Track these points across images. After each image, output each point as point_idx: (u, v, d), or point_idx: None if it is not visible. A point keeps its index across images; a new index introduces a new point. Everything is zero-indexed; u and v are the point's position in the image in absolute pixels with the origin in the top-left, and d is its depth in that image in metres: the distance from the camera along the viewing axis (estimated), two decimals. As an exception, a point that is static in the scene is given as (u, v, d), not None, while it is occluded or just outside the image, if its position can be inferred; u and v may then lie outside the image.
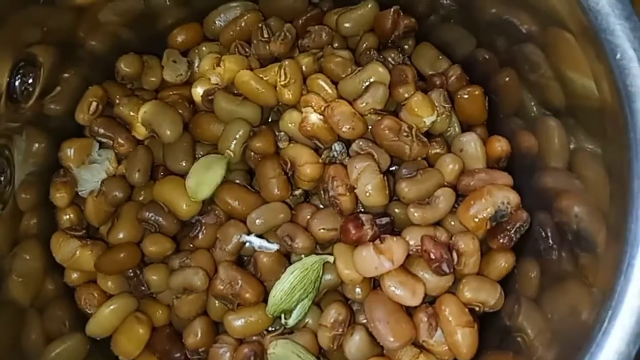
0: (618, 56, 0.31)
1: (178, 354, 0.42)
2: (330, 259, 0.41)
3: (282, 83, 0.43)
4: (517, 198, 0.41)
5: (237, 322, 0.40)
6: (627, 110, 0.32)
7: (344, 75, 0.45)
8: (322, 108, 0.43)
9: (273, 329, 0.42)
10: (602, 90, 0.34)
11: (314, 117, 0.42)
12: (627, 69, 0.31)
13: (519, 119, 0.45)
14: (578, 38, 0.34)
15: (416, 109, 0.42)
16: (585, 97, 0.36)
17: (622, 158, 0.32)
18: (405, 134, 0.42)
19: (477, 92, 0.45)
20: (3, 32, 0.36)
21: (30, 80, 0.39)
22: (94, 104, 0.44)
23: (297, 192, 0.44)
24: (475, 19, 0.45)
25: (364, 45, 0.47)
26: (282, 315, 0.41)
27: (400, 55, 0.47)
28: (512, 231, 0.41)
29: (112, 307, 0.42)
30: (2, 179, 0.38)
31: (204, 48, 0.48)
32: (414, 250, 0.41)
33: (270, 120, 0.46)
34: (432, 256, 0.39)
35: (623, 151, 0.32)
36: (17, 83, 0.38)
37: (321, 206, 0.43)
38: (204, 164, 0.42)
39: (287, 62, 0.44)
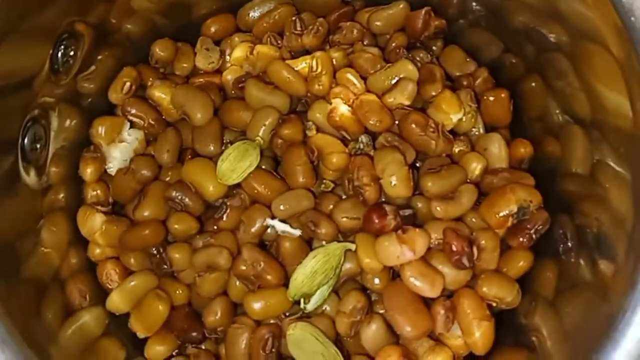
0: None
1: (195, 333, 0.42)
2: (352, 246, 0.41)
3: (313, 74, 0.44)
4: (539, 197, 0.42)
5: (257, 304, 0.41)
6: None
7: (372, 71, 0.46)
8: (351, 100, 0.44)
9: (291, 313, 0.42)
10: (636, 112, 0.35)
11: (343, 109, 0.43)
12: (660, 67, 0.32)
13: (543, 123, 0.46)
14: (612, 49, 0.35)
15: (444, 106, 0.43)
16: (615, 113, 0.37)
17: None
18: (431, 129, 0.43)
19: (503, 95, 0.46)
20: (53, 5, 0.37)
21: (72, 53, 0.40)
22: (127, 84, 0.45)
23: (326, 183, 0.44)
24: (504, 25, 0.46)
25: (394, 43, 0.48)
26: (302, 300, 0.41)
27: (429, 55, 0.48)
28: (532, 231, 0.42)
29: (133, 282, 0.43)
30: (38, 145, 0.39)
31: (236, 38, 0.49)
32: (435, 243, 0.41)
33: (297, 110, 0.47)
34: (454, 248, 0.40)
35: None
36: (59, 54, 0.39)
37: (344, 196, 0.44)
38: (239, 151, 0.42)
39: (318, 54, 0.45)
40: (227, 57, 0.49)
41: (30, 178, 0.39)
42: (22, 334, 0.34)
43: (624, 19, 0.33)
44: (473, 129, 0.46)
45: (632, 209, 0.35)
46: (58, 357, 0.38)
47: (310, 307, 0.41)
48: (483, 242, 0.41)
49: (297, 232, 0.42)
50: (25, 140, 0.38)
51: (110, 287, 0.44)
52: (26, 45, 0.37)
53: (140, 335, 0.43)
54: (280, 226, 0.42)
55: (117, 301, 0.43)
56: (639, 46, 0.33)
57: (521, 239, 0.42)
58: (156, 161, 0.45)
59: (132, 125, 0.46)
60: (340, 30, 0.48)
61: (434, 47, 0.49)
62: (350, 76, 0.45)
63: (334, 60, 0.46)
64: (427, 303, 0.41)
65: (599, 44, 0.36)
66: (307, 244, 0.43)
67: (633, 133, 0.35)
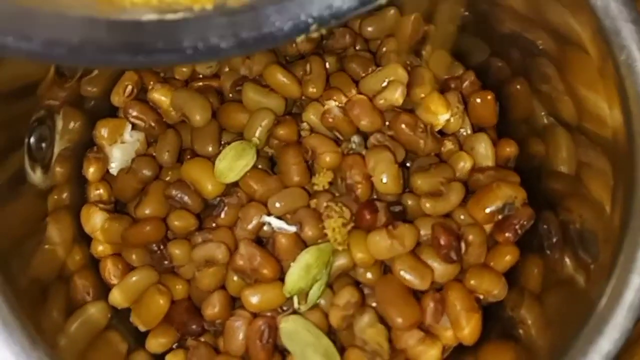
0: (623, 57, 0.34)
1: (195, 326, 0.44)
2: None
3: (307, 78, 0.46)
4: (524, 193, 0.43)
5: (254, 297, 0.42)
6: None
7: (364, 74, 0.48)
8: (344, 102, 0.46)
9: (287, 308, 0.44)
10: (613, 115, 0.36)
11: (336, 110, 0.45)
12: (632, 67, 0.34)
13: (529, 125, 0.47)
14: (591, 53, 0.37)
15: (432, 107, 0.45)
16: (597, 117, 0.38)
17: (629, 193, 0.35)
18: (420, 129, 0.45)
19: (489, 97, 0.48)
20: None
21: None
22: (129, 87, 0.47)
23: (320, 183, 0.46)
24: (491, 31, 0.48)
25: (384, 48, 0.50)
26: (296, 301, 0.42)
27: (418, 59, 0.50)
28: (518, 226, 0.43)
29: (134, 278, 0.44)
30: (44, 144, 0.41)
31: (233, 44, 0.51)
32: (424, 239, 0.43)
33: (292, 112, 0.49)
34: (442, 243, 0.42)
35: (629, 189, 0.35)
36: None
37: (337, 194, 0.46)
38: (236, 150, 0.44)
39: (312, 58, 0.47)
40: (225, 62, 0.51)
41: (36, 176, 0.41)
42: (33, 328, 0.35)
43: (600, 23, 0.35)
44: (461, 130, 0.48)
45: (610, 204, 0.37)
46: (66, 348, 0.39)
47: (304, 308, 0.43)
48: (471, 237, 0.43)
49: (293, 229, 0.44)
50: (32, 140, 0.40)
51: (112, 282, 0.45)
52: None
53: (142, 328, 0.45)
54: (276, 223, 0.44)
55: (119, 296, 0.44)
56: (616, 48, 0.35)
57: (507, 234, 0.44)
58: (157, 161, 0.46)
59: (134, 127, 0.48)
60: (333, 36, 0.50)
61: (423, 52, 0.51)
62: (343, 79, 0.47)
63: (327, 64, 0.48)
64: (418, 296, 0.43)
65: (580, 49, 0.38)
66: (302, 240, 0.45)
67: (612, 138, 0.37)
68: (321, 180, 0.45)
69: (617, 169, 0.37)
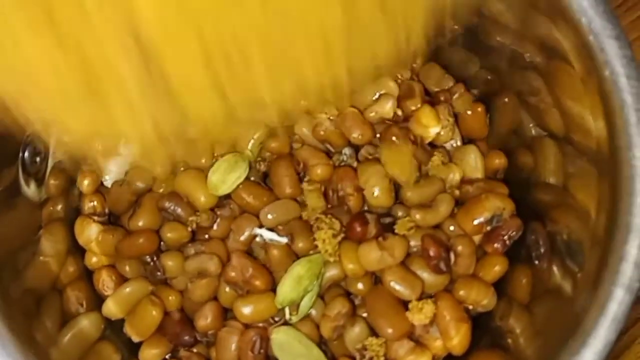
0: (607, 72, 0.35)
1: (187, 337, 0.44)
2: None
3: (299, 91, 0.47)
4: (512, 205, 0.44)
5: (246, 308, 0.43)
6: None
7: (355, 87, 0.48)
8: (335, 115, 0.46)
9: (279, 318, 0.44)
10: (598, 127, 0.37)
11: (327, 123, 0.46)
12: (616, 82, 0.34)
13: (517, 136, 0.48)
14: (576, 68, 0.38)
15: (423, 120, 0.46)
16: (582, 129, 0.39)
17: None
18: (411, 142, 0.45)
19: (479, 109, 0.48)
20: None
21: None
22: (123, 100, 0.48)
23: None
24: (480, 44, 0.48)
25: (376, 61, 0.50)
26: (288, 312, 0.43)
27: (409, 72, 0.50)
28: (506, 237, 0.44)
29: (128, 289, 0.45)
30: (38, 158, 0.42)
31: (227, 57, 0.51)
32: (415, 250, 0.44)
33: (284, 125, 0.49)
34: (431, 254, 0.42)
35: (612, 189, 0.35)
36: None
37: (329, 206, 0.46)
38: (229, 163, 0.45)
39: (304, 72, 0.48)
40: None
41: (30, 189, 0.41)
42: (25, 339, 0.36)
43: (584, 38, 0.35)
44: (451, 141, 0.48)
45: (596, 215, 0.38)
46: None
47: (295, 319, 0.43)
48: (460, 248, 0.43)
49: (284, 240, 0.44)
50: (26, 154, 0.40)
51: (106, 293, 0.46)
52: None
53: (135, 339, 0.45)
54: (268, 234, 0.44)
55: (112, 307, 0.44)
56: (600, 64, 0.35)
57: (495, 245, 0.44)
58: (150, 174, 0.47)
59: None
60: (325, 49, 0.50)
61: (413, 65, 0.52)
62: (334, 92, 0.48)
63: (318, 77, 0.49)
64: (408, 306, 0.43)
65: (566, 63, 0.39)
66: (294, 251, 0.45)
67: (597, 149, 0.37)
68: (314, 201, 0.45)
69: (602, 181, 0.38)
